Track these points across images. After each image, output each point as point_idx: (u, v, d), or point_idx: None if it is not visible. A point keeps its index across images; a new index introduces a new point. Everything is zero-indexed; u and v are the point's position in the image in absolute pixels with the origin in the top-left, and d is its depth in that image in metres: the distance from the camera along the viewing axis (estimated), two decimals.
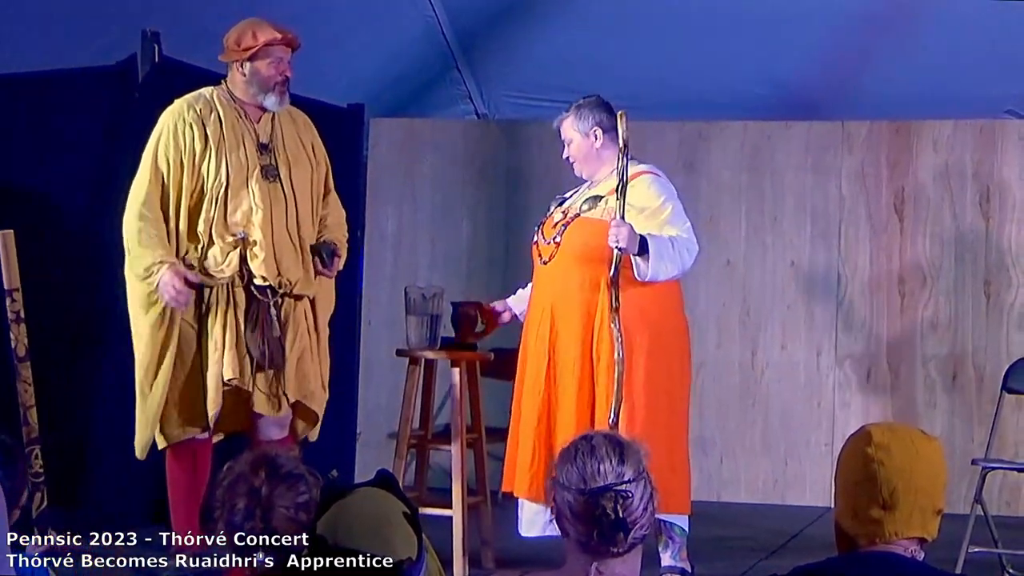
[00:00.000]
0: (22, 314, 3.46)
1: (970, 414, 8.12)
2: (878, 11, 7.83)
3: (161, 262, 5.56)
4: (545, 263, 5.91)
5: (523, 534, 5.91)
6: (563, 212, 5.96)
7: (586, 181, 6.06)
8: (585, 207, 5.89)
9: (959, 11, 7.59)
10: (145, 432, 5.69)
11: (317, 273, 5.80)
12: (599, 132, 5.93)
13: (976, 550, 6.25)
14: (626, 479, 2.92)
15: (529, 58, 8.52)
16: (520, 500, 5.94)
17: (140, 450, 5.77)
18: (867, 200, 8.36)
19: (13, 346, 3.54)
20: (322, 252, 5.81)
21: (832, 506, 3.06)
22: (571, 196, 6.06)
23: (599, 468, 2.92)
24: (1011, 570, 6.38)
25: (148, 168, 5.65)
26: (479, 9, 8.35)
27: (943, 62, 7.91)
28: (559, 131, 6.03)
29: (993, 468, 6.55)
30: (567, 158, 6.02)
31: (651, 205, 5.82)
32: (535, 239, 6.01)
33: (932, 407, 8.19)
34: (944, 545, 3.30)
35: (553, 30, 8.23)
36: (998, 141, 8.22)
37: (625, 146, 5.58)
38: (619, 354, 5.61)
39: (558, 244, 5.86)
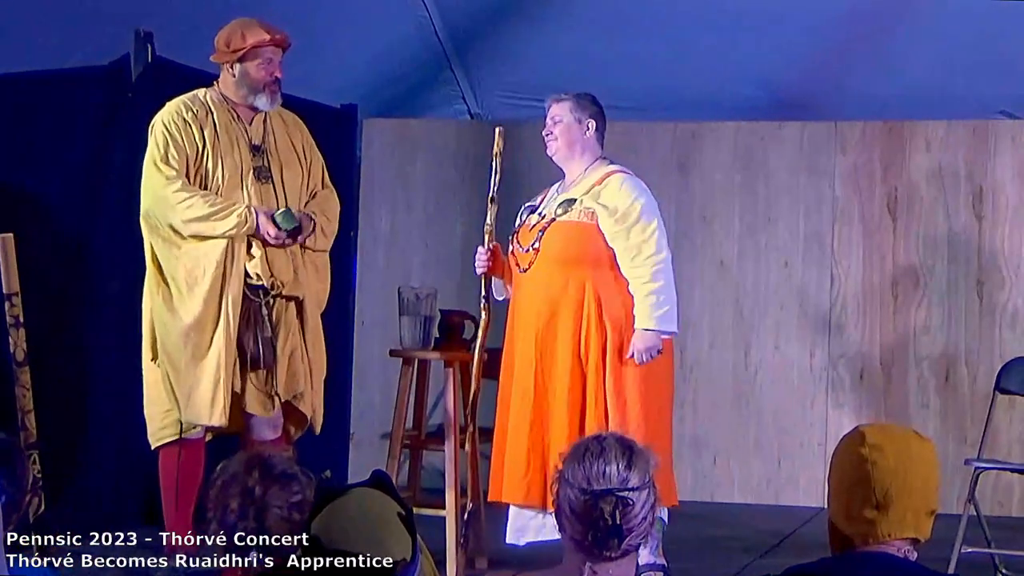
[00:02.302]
0: (21, 319, 3.45)
1: (963, 414, 8.13)
2: (871, 12, 7.84)
3: (245, 207, 5.59)
4: (524, 271, 5.92)
5: (510, 541, 5.90)
6: (540, 216, 5.96)
7: (554, 183, 6.08)
8: (560, 211, 5.90)
9: (952, 12, 7.59)
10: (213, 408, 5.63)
11: (272, 242, 5.69)
12: (592, 125, 5.97)
13: (969, 550, 6.25)
14: (630, 486, 2.92)
15: (522, 59, 8.52)
16: (510, 507, 5.93)
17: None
18: (860, 200, 8.36)
19: (12, 350, 3.53)
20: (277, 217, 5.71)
21: (825, 506, 3.06)
22: (542, 202, 6.06)
23: (605, 470, 2.92)
24: (1004, 570, 6.39)
25: (161, 165, 5.62)
26: (472, 9, 8.34)
27: (936, 63, 7.91)
28: (549, 108, 6.03)
29: (986, 468, 6.55)
30: (547, 134, 6.01)
31: (622, 206, 5.82)
32: (511, 248, 6.02)
33: (925, 407, 8.20)
34: (937, 545, 3.30)
35: (546, 31, 8.23)
36: (991, 142, 8.23)
37: (498, 156, 5.94)
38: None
39: (537, 250, 5.87)
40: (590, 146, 5.98)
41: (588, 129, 5.97)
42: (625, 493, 2.91)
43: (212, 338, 5.59)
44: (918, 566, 2.93)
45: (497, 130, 6.05)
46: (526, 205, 6.12)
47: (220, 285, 5.59)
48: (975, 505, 6.34)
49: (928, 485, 2.93)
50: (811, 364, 8.38)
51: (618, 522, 2.90)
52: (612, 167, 5.96)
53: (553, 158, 6.04)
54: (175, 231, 5.61)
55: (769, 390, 8.42)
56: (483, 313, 6.03)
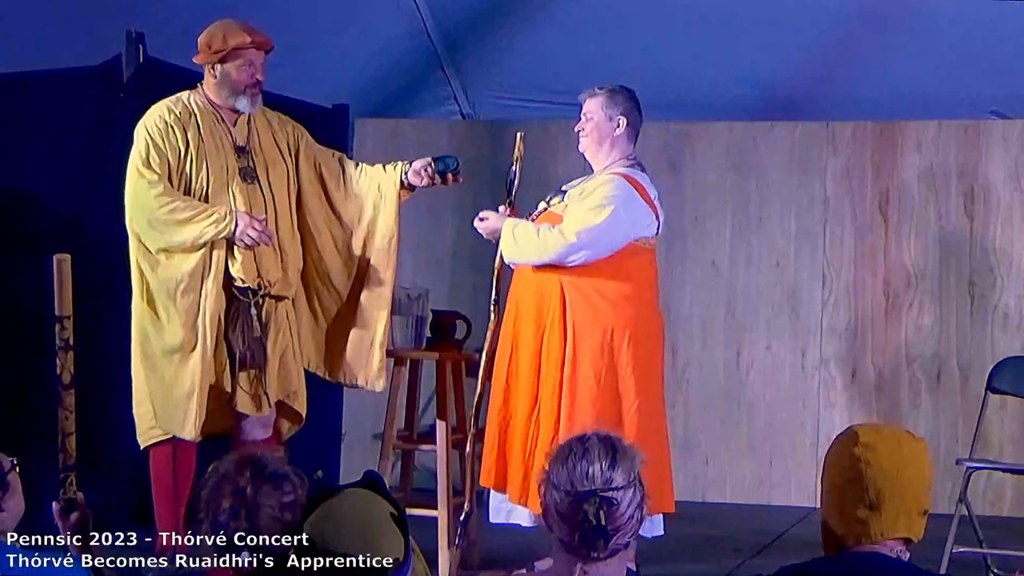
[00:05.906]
0: (71, 342, 3.46)
1: (955, 414, 8.13)
2: (863, 12, 7.84)
3: (227, 211, 5.57)
4: None
5: (493, 520, 5.92)
6: (546, 203, 5.90)
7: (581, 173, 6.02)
8: (555, 200, 5.84)
9: (943, 12, 7.60)
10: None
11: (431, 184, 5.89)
12: (623, 121, 5.85)
13: (961, 550, 6.26)
14: (614, 485, 2.91)
15: (514, 59, 8.52)
16: (489, 489, 5.94)
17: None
18: (852, 201, 8.36)
19: (59, 372, 3.56)
20: (439, 164, 5.87)
21: (818, 506, 3.06)
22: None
23: (588, 471, 2.91)
24: (996, 570, 6.39)
25: (143, 171, 5.61)
26: (464, 10, 8.34)
27: (927, 63, 7.92)
28: (583, 102, 5.91)
29: (977, 468, 6.56)
30: (578, 130, 5.91)
31: (588, 190, 5.74)
32: None
33: (917, 407, 8.20)
34: (929, 545, 3.30)
35: (538, 31, 8.23)
36: (982, 142, 8.23)
37: (518, 161, 5.88)
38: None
39: None
40: (619, 144, 5.84)
41: (619, 126, 5.83)
42: (609, 493, 2.90)
43: (190, 356, 5.60)
44: (911, 566, 2.93)
45: (518, 135, 5.93)
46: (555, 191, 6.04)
47: (197, 302, 5.59)
48: (967, 505, 6.35)
49: (920, 485, 2.94)
50: (803, 364, 8.38)
51: (603, 523, 2.89)
52: (621, 169, 5.80)
53: (584, 154, 5.94)
54: (154, 242, 5.62)
55: (761, 390, 8.42)
56: (492, 315, 5.94)
